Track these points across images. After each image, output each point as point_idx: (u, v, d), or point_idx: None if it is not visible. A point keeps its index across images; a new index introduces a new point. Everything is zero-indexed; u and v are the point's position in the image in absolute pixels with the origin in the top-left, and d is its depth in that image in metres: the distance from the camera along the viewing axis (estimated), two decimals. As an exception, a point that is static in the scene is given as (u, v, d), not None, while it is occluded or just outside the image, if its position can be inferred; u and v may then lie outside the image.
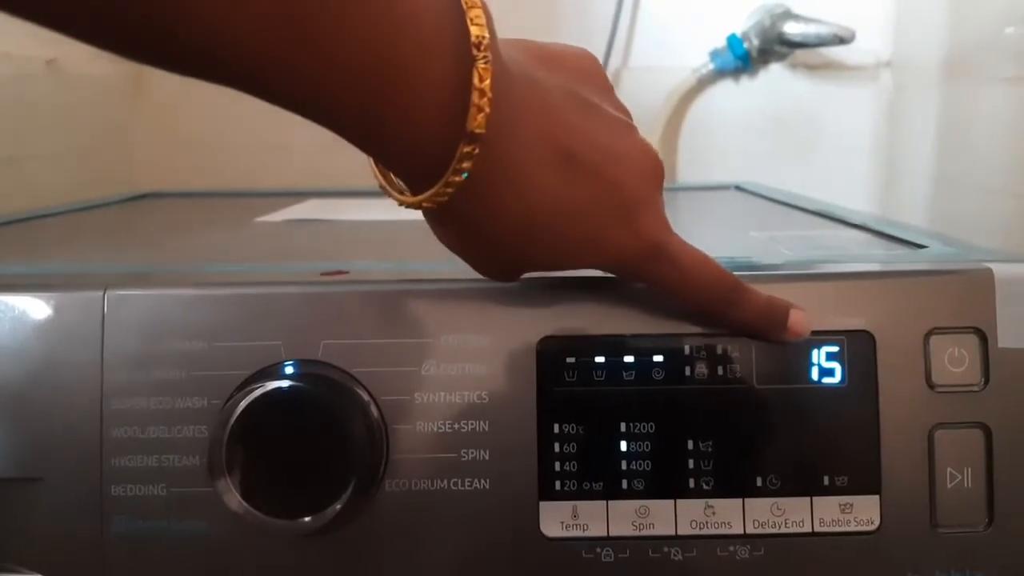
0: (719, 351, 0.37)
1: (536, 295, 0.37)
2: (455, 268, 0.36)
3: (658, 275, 0.34)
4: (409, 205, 0.31)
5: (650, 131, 1.01)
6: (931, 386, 0.36)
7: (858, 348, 0.37)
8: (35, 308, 0.37)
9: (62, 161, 0.88)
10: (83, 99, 0.94)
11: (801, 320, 0.36)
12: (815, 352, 0.37)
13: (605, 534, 0.37)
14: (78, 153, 0.92)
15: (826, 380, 0.37)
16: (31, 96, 0.85)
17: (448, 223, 0.33)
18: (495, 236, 0.32)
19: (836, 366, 0.37)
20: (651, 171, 0.34)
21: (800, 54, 1.01)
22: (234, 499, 0.35)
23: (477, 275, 0.37)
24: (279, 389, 0.35)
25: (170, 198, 0.82)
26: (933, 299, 0.37)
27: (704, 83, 1.03)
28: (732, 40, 1.00)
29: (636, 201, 0.33)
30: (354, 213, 0.66)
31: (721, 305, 0.35)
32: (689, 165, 1.04)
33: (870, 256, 0.44)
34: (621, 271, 0.35)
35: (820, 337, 0.37)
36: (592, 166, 0.32)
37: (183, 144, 1.04)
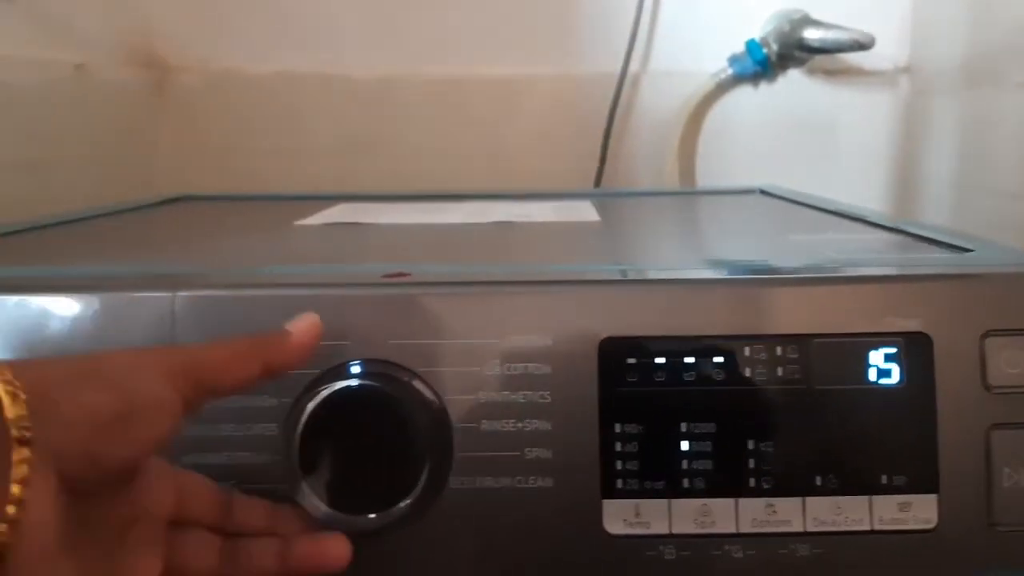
0: (778, 352, 0.37)
1: (598, 296, 0.38)
2: (516, 270, 0.37)
3: None
4: None
5: (668, 136, 1.02)
6: (987, 387, 0.37)
7: (915, 349, 0.37)
8: (105, 309, 0.37)
9: (86, 166, 0.89)
10: (108, 104, 0.94)
11: (304, 324, 0.35)
12: (873, 353, 0.37)
13: (667, 532, 0.37)
14: (101, 158, 0.93)
15: (883, 381, 0.37)
16: (58, 101, 0.86)
17: None
18: None
19: (894, 367, 0.37)
20: None
21: (818, 59, 1.02)
22: (304, 496, 0.35)
23: (540, 277, 0.37)
24: (348, 388, 0.36)
25: (200, 202, 0.82)
26: (988, 301, 0.38)
27: (723, 88, 1.04)
28: (751, 45, 1.01)
29: None
30: (389, 216, 0.66)
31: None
32: (707, 170, 1.05)
33: (919, 260, 0.45)
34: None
35: (877, 339, 0.37)
36: None
37: (204, 149, 1.04)
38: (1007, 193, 0.80)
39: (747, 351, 0.37)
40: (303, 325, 0.36)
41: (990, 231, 0.81)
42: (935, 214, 0.93)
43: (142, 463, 0.32)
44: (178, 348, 0.34)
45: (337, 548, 0.36)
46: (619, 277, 0.39)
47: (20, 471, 0.26)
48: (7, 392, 0.27)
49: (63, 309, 0.37)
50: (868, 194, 1.02)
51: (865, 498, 0.37)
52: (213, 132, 1.04)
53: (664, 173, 1.03)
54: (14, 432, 0.26)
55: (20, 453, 0.26)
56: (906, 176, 1.01)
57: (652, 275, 0.37)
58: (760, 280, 0.39)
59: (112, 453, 0.29)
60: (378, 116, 1.04)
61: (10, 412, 0.27)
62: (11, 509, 0.26)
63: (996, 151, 0.83)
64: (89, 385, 0.29)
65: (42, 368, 0.29)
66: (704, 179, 1.05)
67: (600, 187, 1.03)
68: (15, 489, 0.26)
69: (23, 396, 0.27)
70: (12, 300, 0.37)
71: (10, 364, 0.28)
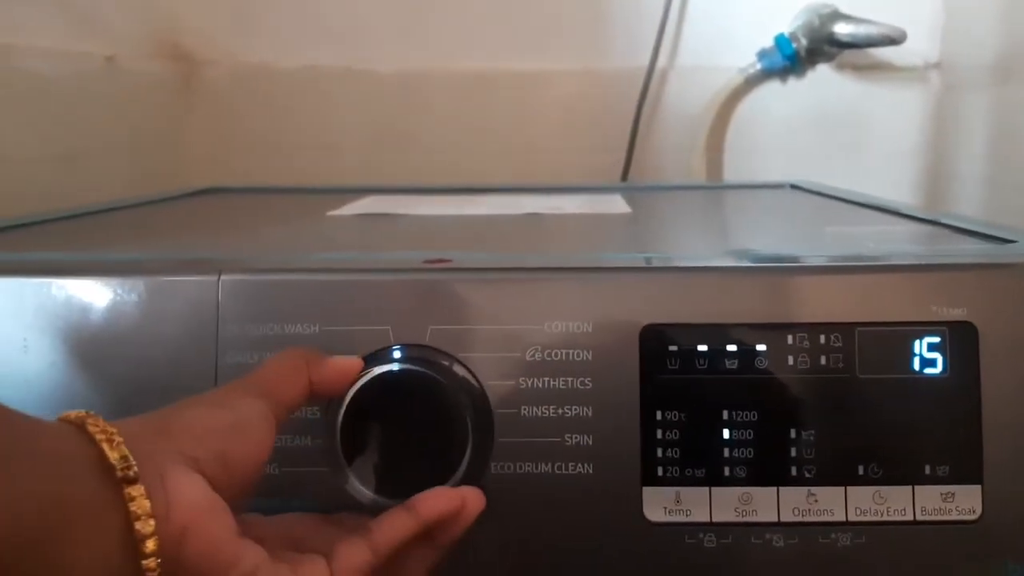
0: (821, 340, 0.37)
1: (640, 283, 0.38)
2: (556, 258, 0.37)
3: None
4: None
5: (696, 131, 1.02)
6: (1032, 377, 0.37)
7: (960, 339, 0.37)
8: (152, 292, 0.37)
9: (116, 157, 0.90)
10: (138, 97, 0.95)
11: (347, 361, 0.36)
12: (917, 343, 0.37)
13: (708, 520, 0.37)
14: (132, 149, 0.93)
15: (928, 370, 0.37)
16: (89, 92, 0.86)
17: None
18: None
19: (938, 356, 0.37)
20: None
21: (847, 55, 1.01)
22: (347, 478, 0.35)
23: (580, 263, 0.37)
24: (390, 373, 0.36)
25: (231, 193, 0.83)
26: (1035, 291, 0.37)
27: (751, 83, 1.03)
28: (780, 40, 1.00)
29: None
30: (419, 208, 0.66)
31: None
32: (734, 165, 1.05)
33: (961, 250, 0.44)
34: None
35: (922, 328, 0.37)
36: None
37: (232, 141, 1.05)
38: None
39: (790, 339, 0.37)
40: (346, 361, 0.36)
41: (1020, 227, 0.80)
42: (965, 210, 0.93)
43: (260, 471, 0.33)
44: (248, 374, 0.35)
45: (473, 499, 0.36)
46: (660, 265, 0.39)
47: (141, 506, 0.28)
48: (103, 440, 0.28)
49: (107, 293, 0.38)
50: (897, 190, 1.01)
51: (908, 488, 0.37)
52: (241, 125, 1.05)
53: (691, 168, 1.02)
54: (119, 473, 0.28)
55: (135, 489, 0.28)
56: (936, 173, 1.00)
57: (693, 263, 0.37)
58: (803, 268, 0.39)
59: (240, 451, 0.32)
60: (405, 110, 1.04)
61: (111, 456, 0.28)
62: (150, 545, 0.28)
63: (1027, 147, 0.83)
64: (199, 406, 0.32)
65: (144, 420, 0.32)
66: (731, 174, 1.05)
67: (627, 181, 1.03)
68: (141, 526, 0.28)
69: (118, 439, 0.29)
70: (57, 283, 0.38)
71: (101, 419, 0.30)
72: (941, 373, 0.37)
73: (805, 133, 1.04)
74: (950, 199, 0.97)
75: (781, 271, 0.38)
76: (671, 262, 0.41)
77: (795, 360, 0.37)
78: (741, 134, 1.04)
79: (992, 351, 0.37)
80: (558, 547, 0.37)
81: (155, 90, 0.99)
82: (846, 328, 0.37)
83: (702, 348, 0.37)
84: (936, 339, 0.37)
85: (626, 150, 1.03)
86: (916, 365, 0.37)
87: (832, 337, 0.37)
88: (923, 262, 0.39)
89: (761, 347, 0.37)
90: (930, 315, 0.37)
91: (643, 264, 0.39)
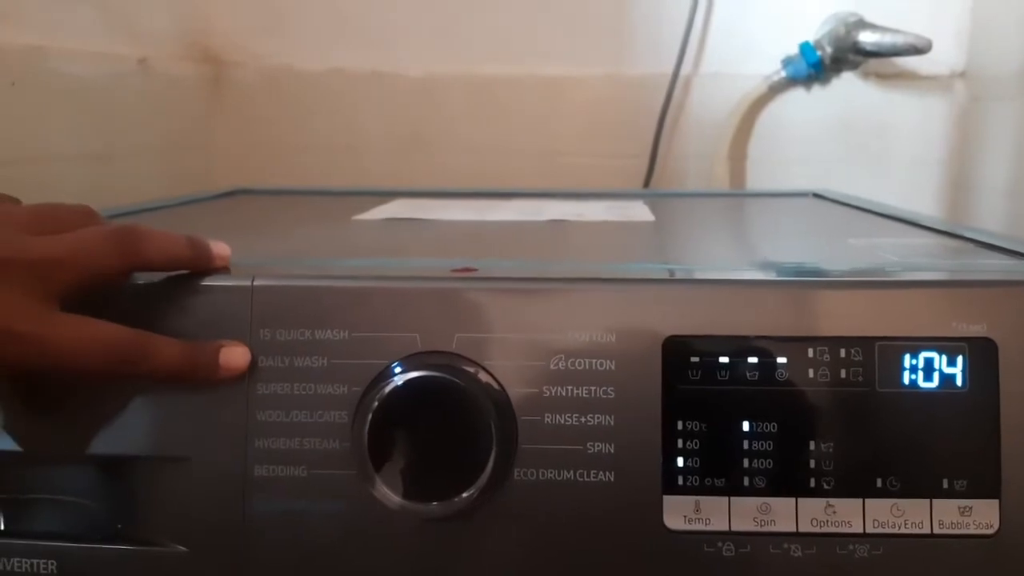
0: (842, 354, 0.38)
1: (663, 295, 0.38)
2: (581, 268, 0.38)
3: (10, 357, 0.33)
4: None
5: (719, 138, 1.02)
6: (1052, 393, 0.37)
7: (980, 354, 0.37)
8: (187, 293, 0.38)
9: (148, 157, 0.91)
10: (169, 97, 0.96)
11: (235, 354, 0.38)
12: (937, 358, 0.37)
13: (727, 529, 0.38)
14: (163, 149, 0.95)
15: (947, 385, 0.37)
16: (122, 94, 0.88)
17: None
18: None
19: (957, 372, 0.37)
20: None
21: (872, 63, 1.02)
22: (373, 483, 0.36)
23: (604, 274, 0.38)
24: (416, 379, 0.36)
25: (258, 195, 0.84)
26: (1056, 308, 0.37)
27: (775, 90, 1.03)
28: (805, 48, 1.00)
29: None
30: (444, 213, 0.67)
31: (122, 365, 0.35)
32: (758, 172, 1.05)
33: (983, 265, 0.45)
34: None
35: (942, 343, 0.37)
36: None
37: (259, 142, 1.06)
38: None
39: (810, 352, 0.38)
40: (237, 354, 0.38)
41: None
42: (989, 222, 0.92)
43: None
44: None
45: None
46: (684, 276, 0.39)
47: None
48: None
49: (143, 294, 0.39)
50: (920, 200, 1.01)
51: (926, 501, 0.37)
52: (268, 127, 1.06)
53: (714, 175, 1.03)
54: None
55: None
56: (959, 183, 1.00)
57: (716, 275, 0.38)
58: (824, 283, 0.39)
59: None
60: (429, 113, 1.05)
61: None
62: None
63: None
64: None
65: None
66: (754, 182, 1.05)
67: (650, 187, 1.03)
68: None
69: None
70: (136, 283, 0.39)
71: None
72: (960, 388, 0.37)
73: (829, 141, 1.04)
74: (973, 210, 0.97)
75: (802, 284, 0.39)
76: (694, 274, 0.41)
77: (815, 373, 0.38)
78: (764, 141, 1.05)
79: (1012, 367, 0.37)
80: (578, 553, 0.38)
81: (185, 92, 1.01)
82: (866, 342, 0.38)
83: (723, 360, 0.38)
84: (956, 355, 0.37)
85: (649, 156, 1.03)
86: (935, 380, 0.37)
87: (852, 351, 0.38)
88: (944, 278, 0.40)
89: (782, 359, 0.38)
90: (950, 331, 0.38)
91: (666, 276, 0.39)
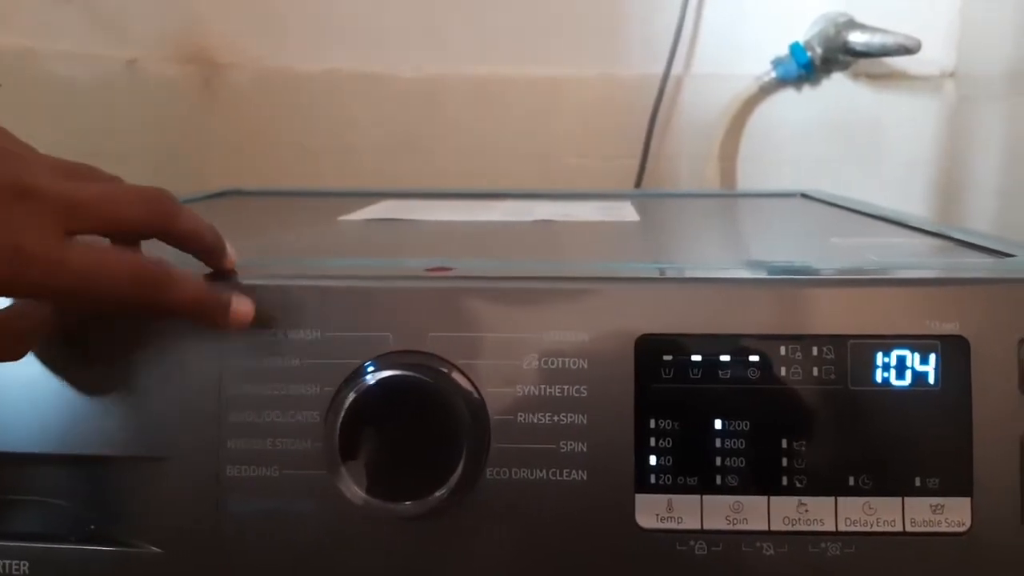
0: (814, 352, 0.38)
1: (635, 294, 0.38)
2: (555, 267, 0.38)
3: (39, 283, 0.32)
4: None
5: (710, 138, 1.02)
6: (1024, 391, 0.37)
7: (952, 353, 0.37)
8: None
9: (139, 158, 0.91)
10: (159, 99, 0.96)
11: (244, 303, 0.37)
12: (910, 356, 0.37)
13: (699, 527, 0.38)
14: (153, 151, 0.95)
15: (919, 383, 0.37)
16: (111, 95, 0.88)
17: None
18: None
19: (930, 370, 0.37)
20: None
21: (862, 63, 1.02)
22: (345, 483, 0.36)
23: (579, 274, 0.38)
24: (389, 378, 0.37)
25: (250, 196, 0.84)
26: (1027, 306, 0.37)
27: (766, 91, 1.04)
28: (795, 48, 1.00)
29: None
30: (431, 214, 0.67)
31: (146, 289, 0.35)
32: (749, 172, 1.05)
33: (958, 264, 0.45)
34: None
35: (915, 341, 0.37)
36: None
37: (252, 144, 1.06)
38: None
39: (783, 351, 0.38)
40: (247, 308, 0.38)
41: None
42: (979, 221, 0.92)
43: None
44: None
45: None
46: (656, 275, 0.39)
47: None
48: None
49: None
50: (911, 200, 1.01)
51: (898, 499, 0.37)
52: (261, 128, 1.06)
53: (705, 175, 1.03)
54: None
55: None
56: (950, 182, 1.00)
57: (689, 274, 0.38)
58: (797, 281, 0.39)
59: None
60: (424, 115, 1.06)
61: None
62: None
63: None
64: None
65: None
66: (746, 182, 1.05)
67: (641, 188, 1.03)
68: None
69: None
70: None
71: None
72: (933, 387, 0.37)
73: (819, 141, 1.04)
74: (963, 209, 0.97)
75: (775, 283, 0.39)
76: (668, 273, 0.41)
77: (788, 371, 0.38)
78: (755, 142, 1.05)
79: (984, 365, 0.37)
80: (551, 552, 0.38)
81: (176, 93, 1.01)
82: (839, 340, 0.38)
83: (696, 358, 0.38)
84: (928, 353, 0.38)
85: (640, 157, 1.03)
86: (908, 378, 0.38)
87: (825, 349, 0.38)
88: (917, 276, 0.40)
89: (754, 358, 0.38)
90: (923, 329, 0.38)
91: (640, 275, 0.39)
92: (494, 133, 1.06)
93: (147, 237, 0.37)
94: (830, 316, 0.38)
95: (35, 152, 0.36)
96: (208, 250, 0.39)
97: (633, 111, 1.04)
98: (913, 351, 0.37)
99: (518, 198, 0.80)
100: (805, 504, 0.37)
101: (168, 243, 0.37)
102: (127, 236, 0.36)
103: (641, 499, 0.38)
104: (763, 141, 1.05)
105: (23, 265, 0.32)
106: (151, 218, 0.36)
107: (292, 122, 1.06)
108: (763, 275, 0.40)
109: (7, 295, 0.33)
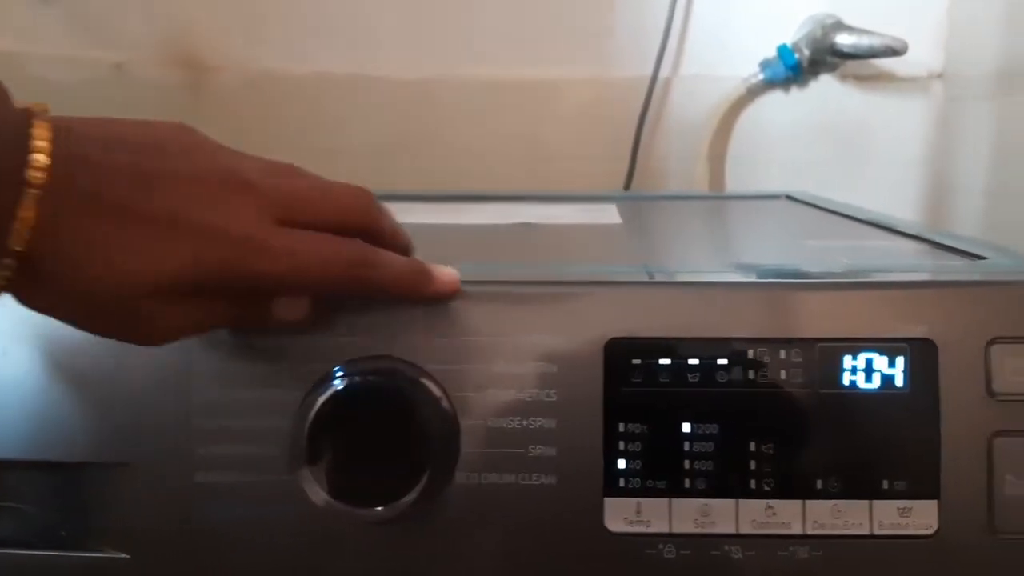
0: (783, 355, 0.38)
1: (605, 298, 0.39)
2: (525, 271, 0.38)
3: (258, 269, 0.34)
4: None
5: (699, 140, 1.02)
6: (992, 394, 0.37)
7: (920, 355, 0.37)
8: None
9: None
10: (146, 103, 0.96)
11: (447, 272, 0.39)
12: (878, 359, 0.38)
13: (668, 531, 0.38)
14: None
15: (888, 386, 0.37)
16: (98, 99, 0.88)
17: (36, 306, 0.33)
18: (80, 308, 0.33)
19: (898, 373, 0.37)
20: (218, 181, 0.34)
21: (850, 65, 1.02)
22: (313, 488, 0.36)
23: (549, 278, 0.38)
24: (358, 383, 0.37)
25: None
26: (995, 309, 0.38)
27: (754, 93, 1.03)
28: (783, 50, 1.00)
29: (193, 215, 0.33)
30: (413, 217, 0.67)
31: (361, 269, 0.36)
32: (738, 174, 1.05)
33: (930, 266, 0.45)
34: (217, 277, 0.33)
35: (883, 344, 0.37)
36: (139, 210, 0.32)
37: (241, 147, 1.06)
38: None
39: (751, 354, 0.38)
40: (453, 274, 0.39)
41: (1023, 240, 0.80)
42: (968, 222, 0.93)
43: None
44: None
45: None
46: (625, 279, 0.39)
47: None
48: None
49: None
50: (900, 201, 1.01)
51: (866, 502, 0.37)
52: (250, 131, 1.05)
53: (694, 177, 1.03)
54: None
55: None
56: (939, 183, 1.00)
57: (658, 277, 0.38)
58: (766, 284, 0.39)
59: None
60: (414, 117, 1.05)
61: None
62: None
63: (1029, 159, 0.82)
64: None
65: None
66: (734, 184, 1.05)
67: (629, 190, 1.03)
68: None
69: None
70: None
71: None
72: (901, 389, 0.37)
73: (808, 143, 1.04)
74: (952, 210, 0.97)
75: (744, 286, 0.39)
76: (637, 277, 0.41)
77: (756, 374, 0.38)
78: (744, 143, 1.05)
79: (952, 368, 0.37)
80: (520, 557, 0.38)
81: (164, 97, 1.01)
82: (807, 343, 0.38)
83: (665, 362, 0.38)
84: (896, 356, 0.38)
85: (629, 158, 1.03)
86: (876, 381, 0.38)
87: (793, 352, 0.38)
88: (885, 279, 0.40)
89: (722, 361, 0.38)
90: (891, 331, 0.38)
91: (609, 279, 0.39)
92: (484, 135, 1.06)
93: (350, 233, 0.37)
94: (799, 319, 0.38)
95: (242, 152, 0.37)
96: (402, 249, 0.39)
97: (623, 113, 1.04)
98: (881, 354, 0.38)
99: (505, 200, 0.80)
100: (773, 507, 0.38)
101: (367, 240, 0.38)
102: (333, 230, 0.37)
103: (610, 503, 0.38)
104: (752, 142, 1.05)
105: (246, 252, 0.33)
106: (357, 214, 0.37)
107: (281, 125, 1.06)
108: (732, 278, 0.40)
109: (227, 282, 0.33)
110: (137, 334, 0.34)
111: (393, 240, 0.39)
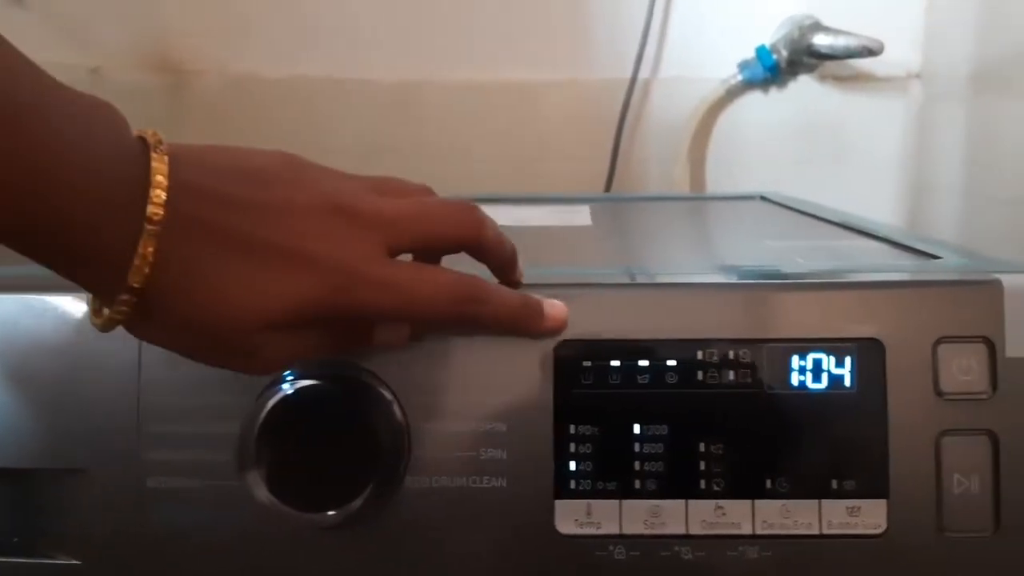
0: (731, 356, 0.38)
1: (555, 300, 0.39)
2: (480, 274, 0.38)
3: (368, 302, 0.33)
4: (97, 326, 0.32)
5: (678, 141, 1.02)
6: (939, 393, 0.37)
7: (868, 355, 0.38)
8: (76, 307, 0.39)
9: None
10: (125, 107, 0.96)
11: (558, 307, 0.38)
12: (825, 359, 0.38)
13: (618, 532, 0.38)
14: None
15: (835, 386, 0.38)
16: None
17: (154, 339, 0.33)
18: (194, 341, 0.33)
19: (846, 373, 0.38)
20: (327, 211, 0.34)
21: (829, 66, 1.02)
22: (262, 492, 0.36)
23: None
24: (307, 387, 0.37)
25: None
26: (943, 308, 0.38)
27: (733, 94, 1.04)
28: (761, 52, 1.01)
29: (305, 248, 0.32)
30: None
31: (471, 305, 0.36)
32: (717, 176, 1.05)
33: (885, 266, 0.45)
34: (326, 311, 0.33)
35: (830, 344, 0.38)
36: (251, 242, 0.32)
37: (221, 151, 1.06)
38: (1016, 201, 0.79)
39: (700, 355, 0.38)
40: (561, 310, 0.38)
41: (999, 239, 0.80)
42: (945, 221, 0.93)
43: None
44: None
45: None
46: (577, 281, 0.40)
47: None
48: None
49: (41, 307, 0.39)
50: (879, 201, 1.01)
51: (814, 502, 0.37)
52: (231, 135, 1.05)
53: (674, 178, 1.03)
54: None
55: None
56: (917, 183, 1.01)
57: (610, 280, 0.38)
58: (713, 285, 0.39)
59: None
60: (396, 120, 1.06)
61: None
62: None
63: (1006, 159, 0.83)
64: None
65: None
66: (714, 185, 1.05)
67: (611, 191, 1.03)
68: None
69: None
70: (31, 299, 0.39)
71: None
72: (849, 389, 0.38)
73: (787, 144, 1.04)
74: (929, 210, 0.97)
75: (691, 288, 0.39)
76: (590, 279, 0.41)
77: (704, 375, 0.38)
78: (723, 145, 1.05)
79: (899, 367, 0.38)
80: (471, 559, 0.38)
81: (143, 101, 1.01)
82: (755, 344, 0.38)
83: (615, 363, 0.38)
84: (844, 356, 0.38)
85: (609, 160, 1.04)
86: (824, 381, 0.38)
87: (741, 353, 0.38)
88: (832, 280, 0.40)
89: (672, 362, 0.38)
90: (839, 332, 0.38)
91: (558, 281, 0.39)
92: (466, 138, 1.06)
93: (458, 251, 0.37)
94: (747, 320, 0.38)
95: (341, 172, 0.37)
96: (507, 262, 0.39)
97: (603, 115, 1.04)
98: (829, 354, 0.38)
99: (480, 202, 0.80)
100: (723, 507, 0.38)
101: (474, 256, 0.38)
102: (442, 250, 0.37)
103: (560, 505, 0.38)
104: (731, 143, 1.05)
105: (355, 285, 0.33)
106: (464, 231, 0.37)
107: (264, 128, 1.06)
108: (682, 280, 0.40)
109: (336, 314, 0.33)
110: (251, 365, 0.34)
111: (499, 250, 0.38)
